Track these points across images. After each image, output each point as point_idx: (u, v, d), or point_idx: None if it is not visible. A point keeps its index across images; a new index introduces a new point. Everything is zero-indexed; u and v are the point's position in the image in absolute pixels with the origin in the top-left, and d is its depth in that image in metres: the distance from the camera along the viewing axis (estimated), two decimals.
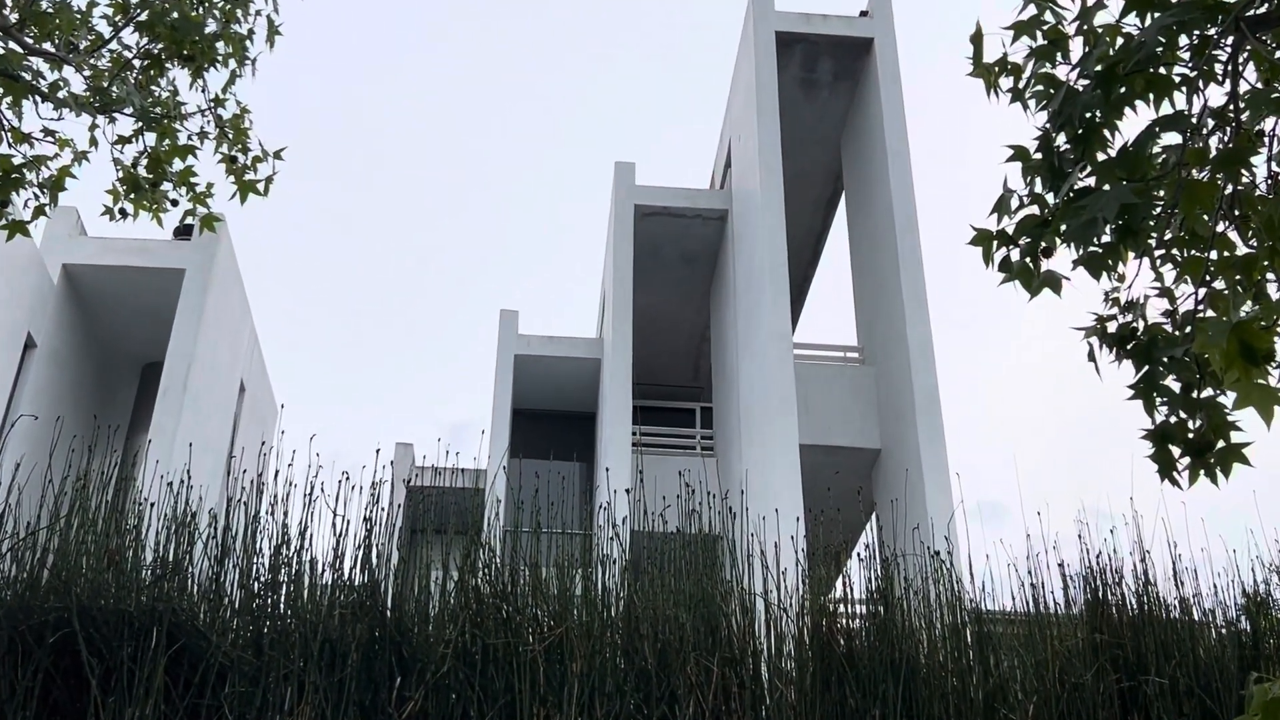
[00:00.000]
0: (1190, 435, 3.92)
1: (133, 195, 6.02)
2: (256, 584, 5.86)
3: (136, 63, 5.60)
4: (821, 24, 16.84)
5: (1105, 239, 3.56)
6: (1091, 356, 4.00)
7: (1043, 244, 3.73)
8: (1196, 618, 6.18)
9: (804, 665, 5.84)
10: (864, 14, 17.05)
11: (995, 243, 3.81)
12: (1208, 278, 3.82)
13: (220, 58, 5.22)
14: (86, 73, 5.95)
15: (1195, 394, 3.89)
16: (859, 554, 6.43)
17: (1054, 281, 3.76)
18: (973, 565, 6.24)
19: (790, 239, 16.58)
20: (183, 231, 16.46)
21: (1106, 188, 3.47)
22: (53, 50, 5.77)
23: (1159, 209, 3.47)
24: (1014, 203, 3.79)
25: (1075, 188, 3.56)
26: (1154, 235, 3.70)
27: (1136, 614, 6.04)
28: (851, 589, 6.18)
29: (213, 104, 5.71)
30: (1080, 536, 6.48)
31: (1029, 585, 6.26)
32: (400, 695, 5.48)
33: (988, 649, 5.99)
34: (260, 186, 5.76)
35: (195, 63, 5.05)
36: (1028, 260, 3.77)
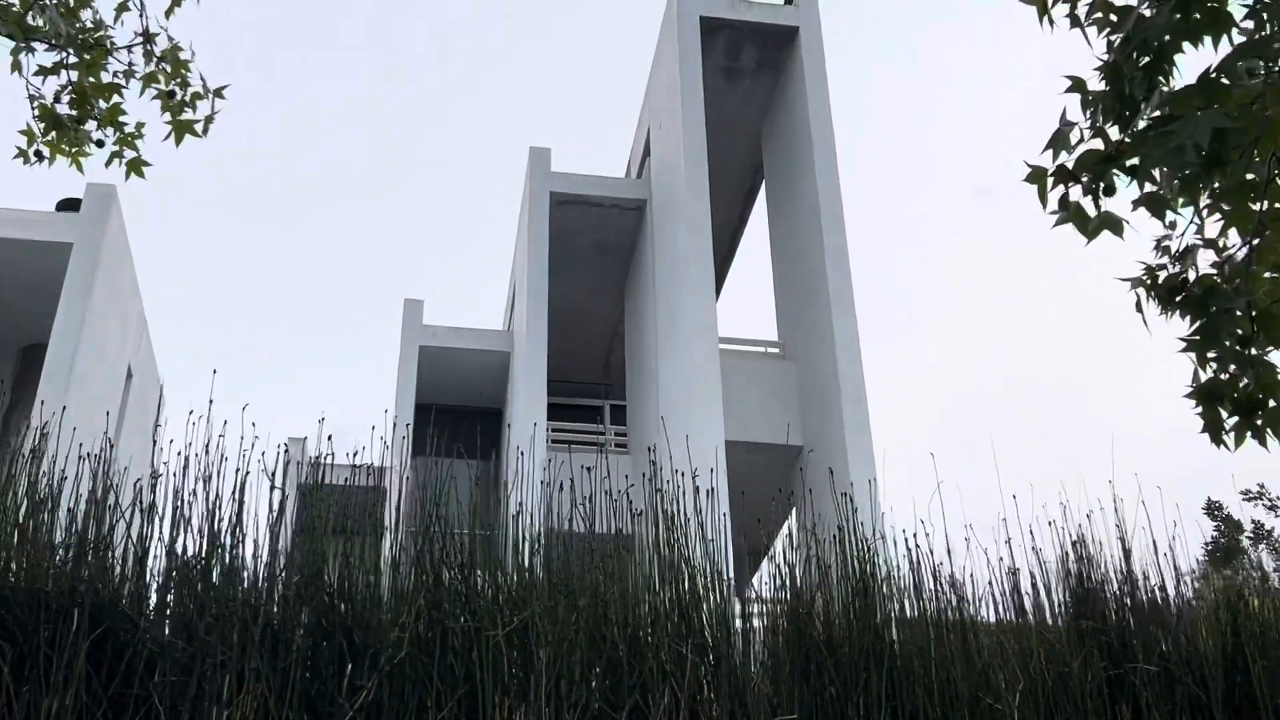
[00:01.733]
0: (1236, 395, 3.66)
1: (51, 136, 5.45)
2: (186, 564, 5.33)
3: None
4: (746, 10, 16.60)
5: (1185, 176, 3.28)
6: (1139, 308, 3.71)
7: (1104, 181, 3.43)
8: (1177, 604, 5.99)
9: (779, 654, 5.51)
10: (789, 2, 16.86)
11: (1052, 180, 3.50)
12: (1260, 228, 3.57)
13: None
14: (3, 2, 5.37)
15: (1248, 350, 3.63)
16: (833, 536, 6.12)
17: (1113, 223, 3.47)
18: (951, 548, 5.96)
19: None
20: (68, 204, 15.55)
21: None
22: None
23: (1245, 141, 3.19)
24: (1074, 137, 3.48)
25: (1151, 117, 3.26)
26: (1222, 176, 3.41)
27: (1120, 599, 5.82)
28: (828, 574, 5.85)
29: (144, 33, 5.17)
30: (1052, 523, 6.25)
31: (1007, 571, 6.01)
32: (351, 684, 5.01)
33: (970, 636, 5.71)
34: (198, 127, 5.23)
35: None
36: (1089, 199, 3.47)
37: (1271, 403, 3.61)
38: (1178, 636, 5.76)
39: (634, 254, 19.03)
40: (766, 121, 17.83)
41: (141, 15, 4.97)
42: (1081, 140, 3.45)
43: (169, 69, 5.13)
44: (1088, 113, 3.43)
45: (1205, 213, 3.71)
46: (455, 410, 20.10)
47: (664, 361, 15.95)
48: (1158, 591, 5.95)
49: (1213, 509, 33.67)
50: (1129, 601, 5.85)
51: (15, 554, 5.11)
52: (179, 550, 5.35)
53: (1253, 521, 33.66)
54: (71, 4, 5.47)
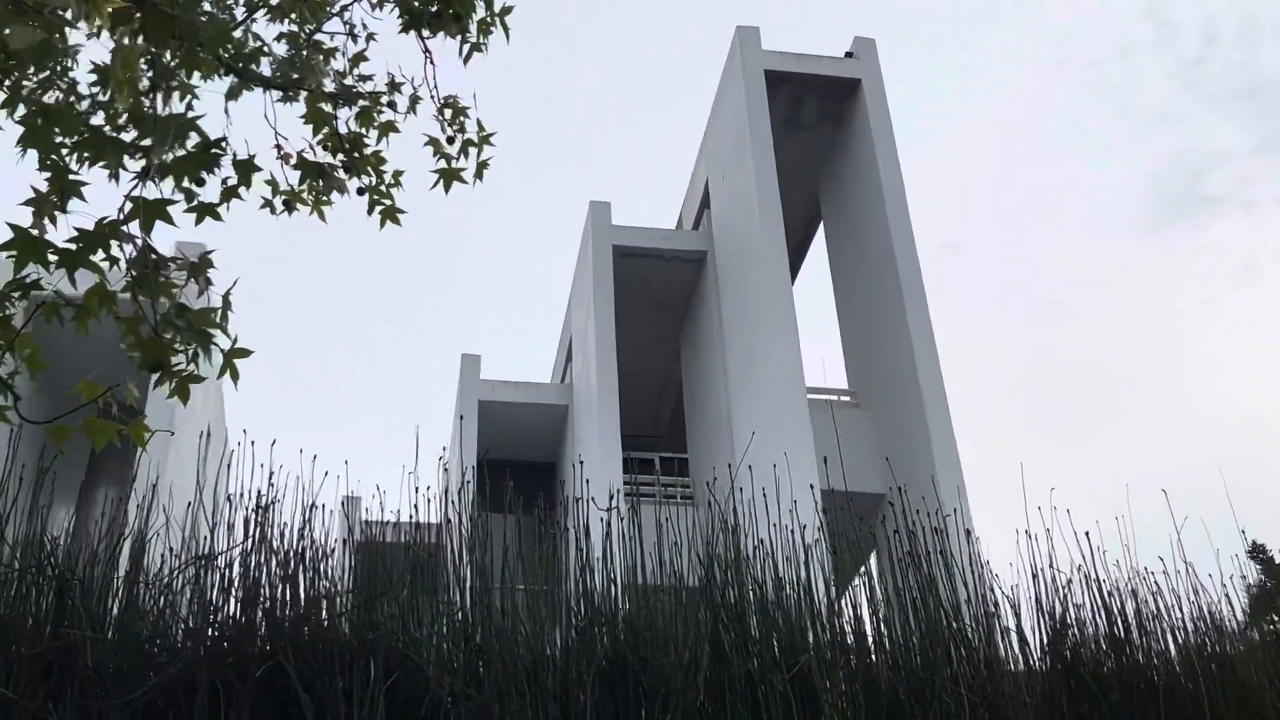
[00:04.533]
0: None
1: (307, 184, 5.45)
2: (461, 614, 5.29)
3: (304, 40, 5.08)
4: (811, 64, 16.79)
5: None
6: None
7: None
8: None
9: (1049, 689, 5.48)
10: (849, 55, 17.06)
11: None
12: None
13: (475, 22, 4.67)
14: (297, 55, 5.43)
15: None
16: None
17: None
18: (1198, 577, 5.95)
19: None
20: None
21: None
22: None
23: None
24: None
25: None
26: None
27: None
28: (1081, 610, 5.83)
29: (391, 83, 5.18)
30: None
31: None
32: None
33: (1226, 664, 5.70)
34: (466, 175, 5.24)
35: (460, 23, 4.52)
36: None
37: None
38: None
39: (691, 306, 19.07)
40: (824, 172, 17.97)
41: (429, 61, 4.98)
42: None
43: (448, 115, 5.14)
44: None
45: None
46: (510, 465, 20.01)
47: (739, 412, 15.94)
48: None
49: None
50: None
51: (302, 608, 5.05)
52: (451, 599, 5.32)
53: None
54: (322, 57, 5.52)
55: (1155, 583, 5.89)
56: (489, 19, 4.80)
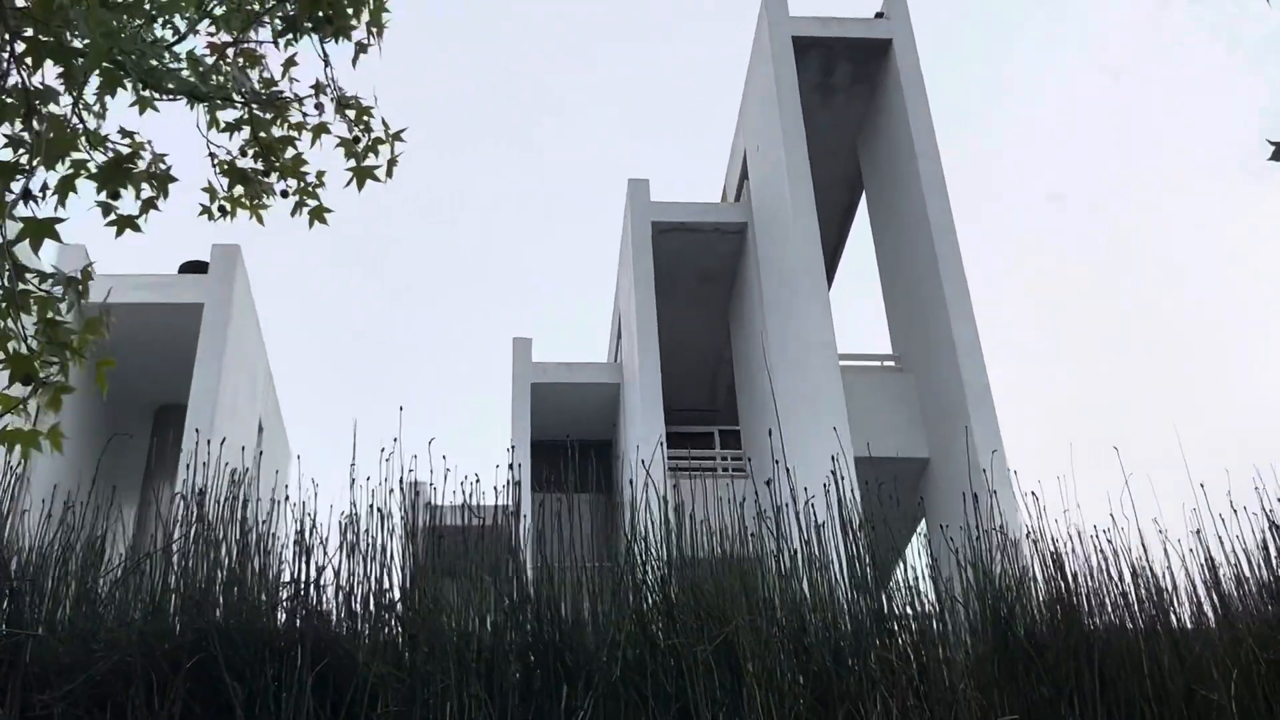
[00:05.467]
0: None
1: (234, 191, 5.62)
2: (388, 597, 5.45)
3: (229, 48, 5.23)
4: (839, 27, 16.64)
5: None
6: None
7: None
8: None
9: (984, 655, 5.48)
10: (879, 15, 16.86)
11: None
12: None
13: (353, 26, 4.82)
14: (199, 66, 5.58)
15: None
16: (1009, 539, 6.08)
17: None
18: (1146, 544, 5.89)
19: None
20: (193, 266, 15.94)
21: None
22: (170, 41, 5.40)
23: None
24: None
25: None
26: None
27: None
28: (1023, 577, 5.81)
29: (316, 86, 5.32)
30: (1246, 509, 6.14)
31: (1201, 553, 5.92)
32: (568, 704, 5.07)
33: (1175, 629, 5.64)
34: (379, 172, 5.37)
35: (333, 25, 4.67)
36: None
37: None
38: None
39: (737, 278, 19.06)
40: (863, 135, 17.81)
41: (327, 66, 5.12)
42: None
43: (352, 116, 5.28)
44: None
45: None
46: (567, 445, 20.20)
47: (779, 382, 15.93)
48: None
49: None
50: None
51: (235, 598, 5.26)
52: (384, 585, 5.48)
53: None
54: (242, 63, 5.66)
55: (1104, 545, 5.84)
56: (372, 24, 4.93)
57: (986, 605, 5.66)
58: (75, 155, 4.54)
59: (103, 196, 5.10)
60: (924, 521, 14.86)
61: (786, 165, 15.49)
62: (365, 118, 5.32)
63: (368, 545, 5.54)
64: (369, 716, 4.99)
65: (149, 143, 5.71)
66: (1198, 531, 6.01)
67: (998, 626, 5.54)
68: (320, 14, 4.56)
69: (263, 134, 5.47)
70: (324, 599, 5.41)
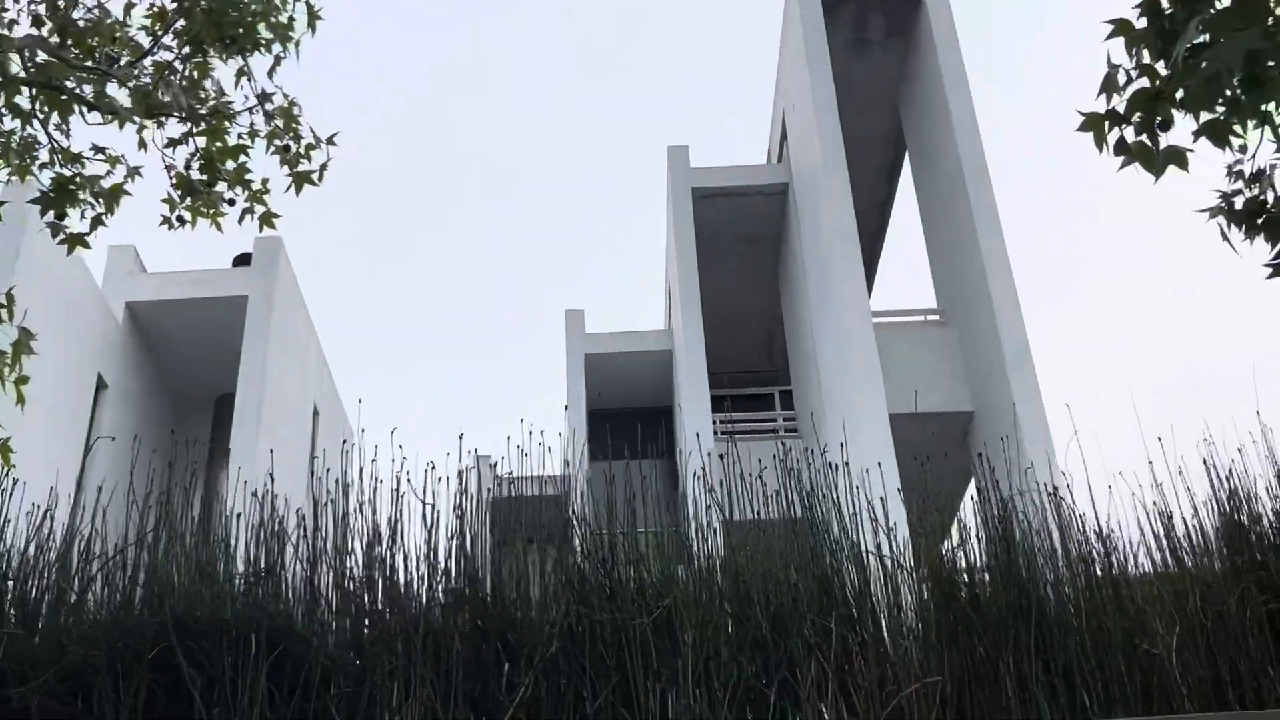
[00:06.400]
0: None
1: (188, 201, 5.89)
2: (351, 583, 5.69)
3: (179, 64, 5.47)
4: None
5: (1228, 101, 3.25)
6: (1225, 236, 3.68)
7: (1159, 117, 3.42)
8: None
9: (927, 618, 5.55)
10: None
11: (1107, 124, 3.51)
12: None
13: (263, 41, 5.05)
14: (130, 85, 5.83)
15: None
16: (971, 500, 6.13)
17: (1178, 156, 3.46)
18: (1094, 498, 5.90)
19: (855, 208, 16.17)
20: (243, 260, 16.46)
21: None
22: (94, 65, 5.65)
23: None
24: (1121, 79, 3.49)
25: (1191, 44, 3.24)
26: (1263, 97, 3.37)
27: (1276, 531, 5.67)
28: (967, 536, 5.86)
29: (259, 96, 5.55)
30: (1206, 461, 6.11)
31: (1158, 512, 5.91)
32: (509, 681, 5.27)
33: (1121, 583, 5.66)
34: (315, 176, 5.60)
35: (236, 45, 4.89)
36: (1144, 138, 3.47)
37: None
38: None
39: (782, 239, 19.05)
40: (902, 90, 17.64)
41: (250, 80, 5.35)
42: (1130, 81, 3.45)
43: (281, 125, 5.50)
44: (1132, 52, 3.43)
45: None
46: (625, 413, 20.43)
47: (820, 342, 15.96)
48: None
49: None
50: None
51: (198, 589, 5.54)
52: (345, 570, 5.73)
53: None
54: (195, 76, 5.91)
55: (1047, 500, 5.86)
56: (290, 24, 5.14)
57: (932, 566, 5.73)
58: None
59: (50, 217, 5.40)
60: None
61: (817, 124, 15.44)
62: (294, 126, 5.53)
63: (433, 518, 5.74)
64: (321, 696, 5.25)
65: (122, 157, 6.02)
66: (1158, 485, 6.00)
67: (939, 586, 5.61)
68: (225, 38, 4.77)
69: (204, 147, 5.72)
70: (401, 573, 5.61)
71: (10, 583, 5.59)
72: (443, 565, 5.67)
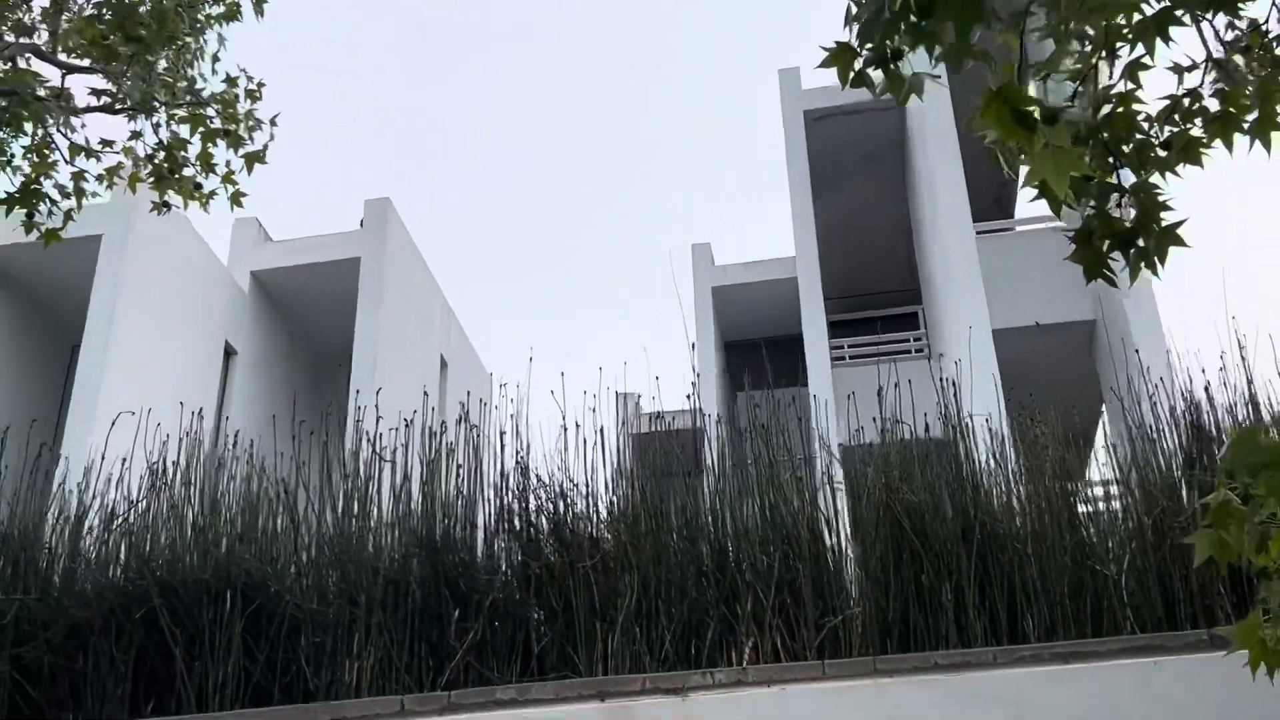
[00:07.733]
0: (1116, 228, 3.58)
1: (169, 184, 6.26)
2: (323, 542, 6.04)
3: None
4: None
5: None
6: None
7: (903, 45, 3.38)
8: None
9: (870, 546, 5.56)
10: None
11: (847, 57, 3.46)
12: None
13: (181, 37, 5.34)
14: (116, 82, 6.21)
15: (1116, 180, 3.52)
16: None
17: (919, 85, 3.40)
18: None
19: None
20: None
21: None
22: (79, 62, 6.06)
23: None
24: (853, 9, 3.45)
25: None
26: None
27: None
28: (923, 463, 5.81)
29: (184, 87, 5.87)
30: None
31: (1129, 428, 5.74)
32: (460, 626, 5.54)
33: (1075, 508, 5.54)
34: (262, 154, 5.89)
35: (142, 42, 5.20)
36: (891, 67, 3.43)
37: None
38: None
39: (904, 154, 18.60)
40: None
41: (189, 70, 5.67)
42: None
43: (220, 110, 5.81)
44: None
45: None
46: (757, 343, 20.39)
47: (929, 257, 15.65)
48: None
49: None
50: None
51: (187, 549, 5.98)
52: (317, 528, 6.08)
53: None
54: (176, 66, 6.27)
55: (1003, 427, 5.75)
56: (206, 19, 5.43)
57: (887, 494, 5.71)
58: None
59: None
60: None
61: None
62: (231, 110, 5.82)
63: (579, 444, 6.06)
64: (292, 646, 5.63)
65: (132, 145, 6.42)
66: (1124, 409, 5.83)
67: (889, 512, 5.59)
68: (132, 36, 5.07)
69: (165, 135, 6.08)
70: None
71: (23, 551, 6.10)
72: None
